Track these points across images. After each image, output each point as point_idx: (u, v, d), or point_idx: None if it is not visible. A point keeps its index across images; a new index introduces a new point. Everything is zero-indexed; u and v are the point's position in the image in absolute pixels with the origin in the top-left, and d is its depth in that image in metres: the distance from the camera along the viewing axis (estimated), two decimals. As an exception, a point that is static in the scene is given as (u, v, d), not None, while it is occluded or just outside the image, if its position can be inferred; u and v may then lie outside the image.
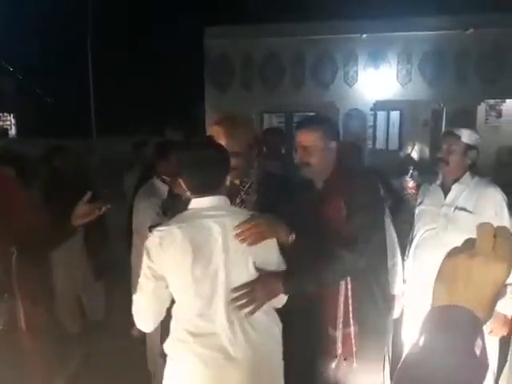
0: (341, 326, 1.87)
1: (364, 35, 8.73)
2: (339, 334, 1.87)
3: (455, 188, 2.24)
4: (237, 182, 2.07)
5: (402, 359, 0.61)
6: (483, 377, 0.57)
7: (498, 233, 0.63)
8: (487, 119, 10.22)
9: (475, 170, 2.29)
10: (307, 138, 1.92)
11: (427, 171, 8.24)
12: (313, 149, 1.92)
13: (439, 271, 0.65)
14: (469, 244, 0.64)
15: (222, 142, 1.92)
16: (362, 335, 1.87)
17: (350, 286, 1.85)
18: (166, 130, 3.87)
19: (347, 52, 8.96)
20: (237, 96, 8.84)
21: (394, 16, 8.47)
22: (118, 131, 11.99)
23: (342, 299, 1.85)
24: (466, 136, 2.25)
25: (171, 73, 16.25)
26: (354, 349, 1.86)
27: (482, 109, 9.83)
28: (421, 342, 0.59)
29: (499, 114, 10.34)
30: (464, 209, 2.19)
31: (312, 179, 2.03)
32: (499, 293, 0.62)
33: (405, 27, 8.48)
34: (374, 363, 1.92)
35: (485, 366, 0.57)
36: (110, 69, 17.05)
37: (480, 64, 8.61)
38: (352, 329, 1.86)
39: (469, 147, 2.24)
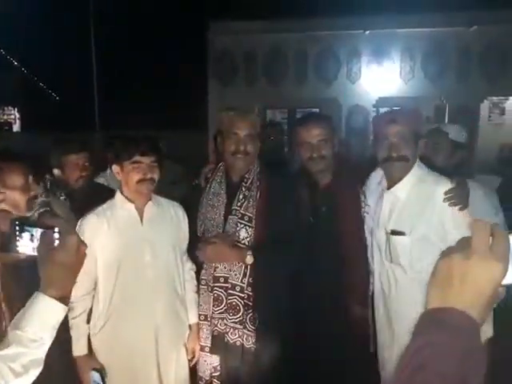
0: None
1: (367, 32, 8.70)
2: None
3: None
4: (236, 179, 2.11)
5: (398, 362, 0.60)
6: (480, 377, 0.56)
7: (494, 231, 0.61)
8: (490, 116, 10.17)
9: (464, 170, 2.06)
10: (320, 132, 1.97)
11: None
12: (326, 141, 1.98)
13: (433, 273, 0.64)
14: (463, 243, 0.62)
15: (237, 125, 2.01)
16: None
17: None
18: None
19: (350, 48, 8.93)
20: (240, 91, 8.84)
21: (398, 12, 8.44)
22: (121, 125, 12.02)
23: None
24: (454, 133, 2.07)
25: (174, 68, 16.24)
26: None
27: (485, 106, 9.80)
28: (415, 345, 0.58)
29: (502, 112, 10.28)
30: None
31: (316, 179, 2.07)
32: (495, 294, 0.60)
33: (408, 24, 8.44)
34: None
35: (482, 367, 0.57)
36: (113, 62, 17.05)
37: (483, 61, 8.57)
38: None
39: (457, 145, 2.07)
